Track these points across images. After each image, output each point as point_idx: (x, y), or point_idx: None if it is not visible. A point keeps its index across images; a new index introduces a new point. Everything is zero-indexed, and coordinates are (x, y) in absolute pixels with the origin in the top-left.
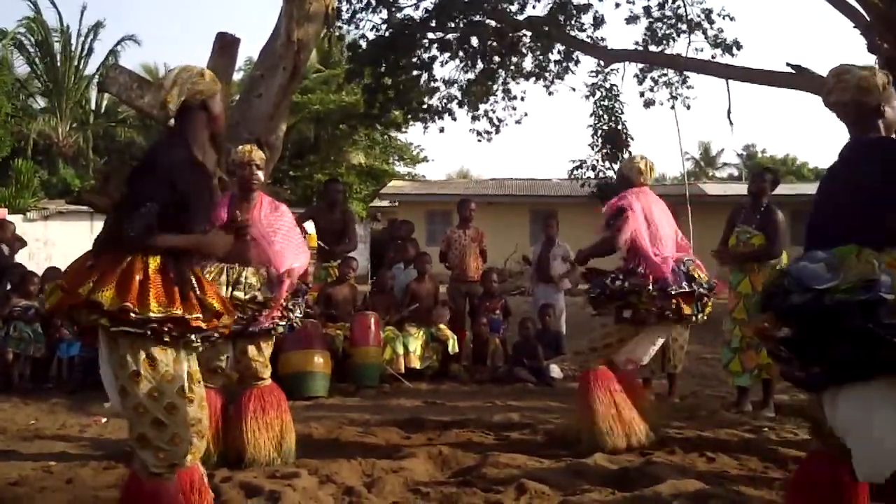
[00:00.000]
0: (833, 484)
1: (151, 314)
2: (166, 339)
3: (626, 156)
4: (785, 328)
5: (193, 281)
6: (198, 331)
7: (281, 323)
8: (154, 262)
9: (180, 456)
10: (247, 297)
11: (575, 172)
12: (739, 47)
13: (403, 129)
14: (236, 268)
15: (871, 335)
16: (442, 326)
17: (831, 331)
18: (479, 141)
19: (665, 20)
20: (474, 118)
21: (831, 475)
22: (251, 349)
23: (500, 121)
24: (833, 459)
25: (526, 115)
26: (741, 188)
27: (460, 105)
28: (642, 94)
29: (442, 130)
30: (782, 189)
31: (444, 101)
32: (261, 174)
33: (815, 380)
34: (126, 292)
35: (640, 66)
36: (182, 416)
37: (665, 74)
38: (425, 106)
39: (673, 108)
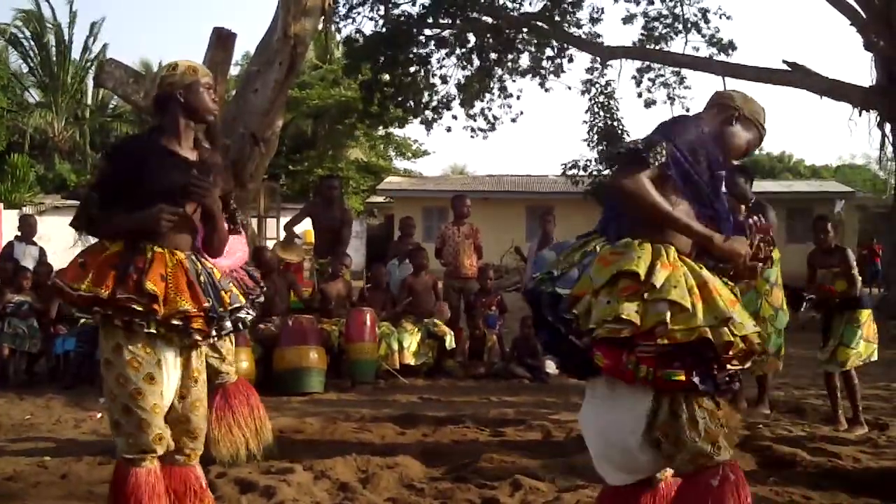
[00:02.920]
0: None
1: (81, 292)
2: (117, 322)
3: None
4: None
5: (137, 263)
6: (141, 315)
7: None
8: (115, 246)
9: (149, 442)
10: (227, 296)
11: (568, 172)
12: (734, 48)
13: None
14: (206, 265)
15: (556, 328)
16: (439, 322)
17: (539, 321)
18: (473, 137)
19: (662, 19)
20: (471, 116)
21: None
22: (203, 347)
23: (496, 118)
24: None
25: (522, 113)
26: None
27: (459, 103)
28: (640, 95)
29: (449, 130)
30: (777, 186)
31: (444, 99)
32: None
33: (565, 369)
34: (77, 275)
35: (638, 67)
36: (149, 403)
37: (662, 75)
38: (423, 103)
39: (672, 106)
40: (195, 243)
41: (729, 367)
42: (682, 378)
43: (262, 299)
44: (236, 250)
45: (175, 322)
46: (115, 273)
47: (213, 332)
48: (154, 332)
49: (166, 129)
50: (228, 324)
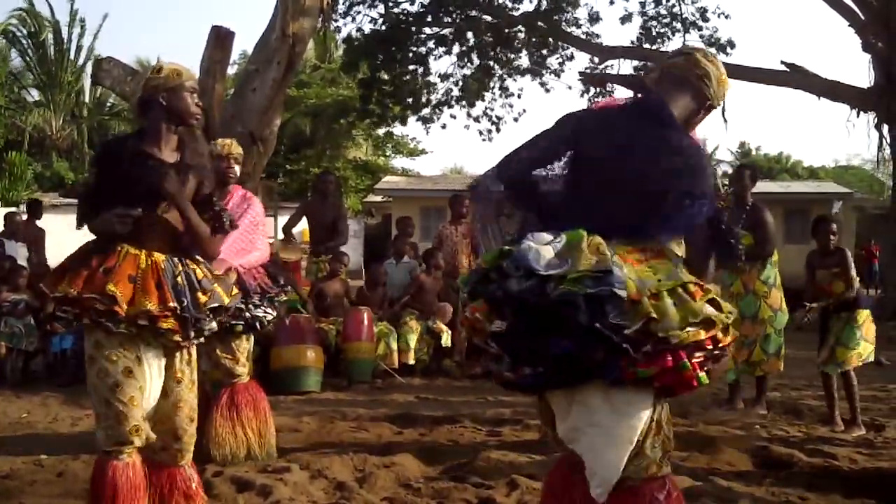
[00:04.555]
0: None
1: (56, 291)
2: (86, 321)
3: None
4: (498, 321)
5: (107, 264)
6: (105, 315)
7: (236, 322)
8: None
9: (125, 433)
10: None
11: None
12: (733, 46)
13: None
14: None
15: (596, 334)
16: (438, 321)
17: (551, 326)
18: (483, 140)
19: (660, 18)
20: (475, 118)
21: (564, 486)
22: (217, 347)
23: (499, 118)
24: (569, 468)
25: (524, 111)
26: None
27: (457, 102)
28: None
29: (444, 127)
30: (775, 187)
31: (443, 98)
32: (237, 168)
33: (526, 382)
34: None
35: (635, 65)
36: (127, 395)
37: None
38: (422, 101)
39: None
40: (182, 243)
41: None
42: (708, 381)
43: (283, 298)
44: (251, 249)
45: (141, 322)
46: (86, 273)
47: (192, 333)
48: (125, 331)
49: (148, 131)
50: (213, 324)
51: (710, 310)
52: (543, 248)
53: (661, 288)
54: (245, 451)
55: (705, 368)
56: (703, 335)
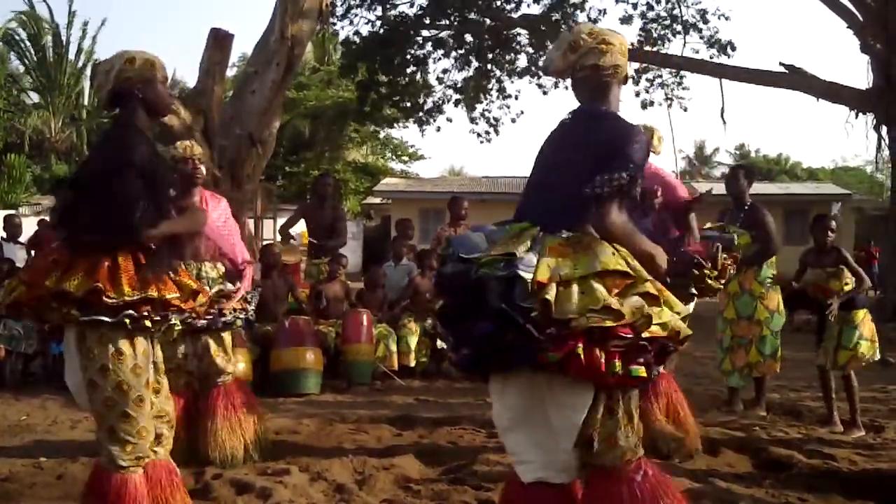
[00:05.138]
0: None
1: (126, 298)
2: (147, 323)
3: None
4: (441, 303)
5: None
6: (179, 312)
7: (240, 315)
8: (122, 252)
9: (146, 448)
10: (212, 291)
11: None
12: (734, 48)
13: (398, 126)
14: (192, 264)
15: (508, 316)
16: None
17: (476, 308)
18: (482, 142)
19: (660, 20)
20: (472, 120)
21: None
22: (212, 343)
23: (496, 120)
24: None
25: (522, 113)
26: None
27: (456, 104)
28: (637, 94)
29: (439, 130)
30: (774, 188)
31: (440, 100)
32: (203, 168)
33: (464, 363)
34: (95, 277)
35: (635, 67)
36: (149, 409)
37: (660, 76)
38: (420, 103)
39: (669, 107)
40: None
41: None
42: (644, 374)
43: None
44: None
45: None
46: (150, 274)
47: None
48: (176, 325)
49: (124, 124)
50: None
51: (634, 301)
52: (475, 235)
53: (571, 276)
54: (243, 452)
55: (640, 361)
56: (608, 323)
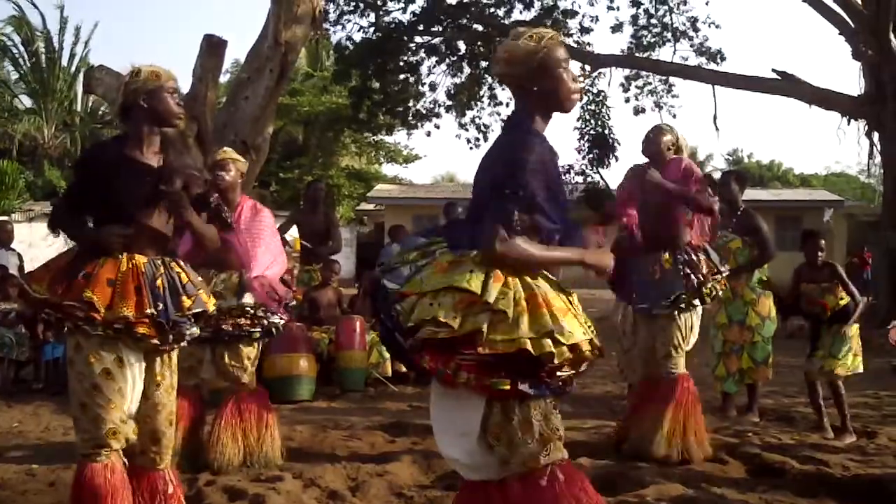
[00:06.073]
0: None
1: (37, 294)
2: (68, 325)
3: (612, 161)
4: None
5: (87, 269)
6: (83, 320)
7: (254, 329)
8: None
9: (102, 436)
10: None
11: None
12: (723, 58)
13: (394, 133)
14: (210, 273)
15: (384, 323)
16: None
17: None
18: (471, 149)
19: (651, 28)
20: (462, 126)
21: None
22: (226, 354)
23: (486, 127)
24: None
25: None
26: None
27: (447, 110)
28: (627, 101)
29: (429, 134)
30: (766, 195)
31: (432, 106)
32: (224, 175)
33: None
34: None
35: (626, 74)
36: (105, 398)
37: (650, 83)
38: (412, 111)
39: (660, 114)
40: (168, 247)
41: (559, 373)
42: (508, 387)
43: (294, 302)
44: (278, 259)
45: (117, 326)
46: (66, 278)
47: (171, 338)
48: (102, 333)
49: (130, 136)
50: (194, 329)
51: (478, 319)
52: (397, 245)
53: (426, 289)
54: (241, 459)
55: (500, 375)
56: (442, 335)
